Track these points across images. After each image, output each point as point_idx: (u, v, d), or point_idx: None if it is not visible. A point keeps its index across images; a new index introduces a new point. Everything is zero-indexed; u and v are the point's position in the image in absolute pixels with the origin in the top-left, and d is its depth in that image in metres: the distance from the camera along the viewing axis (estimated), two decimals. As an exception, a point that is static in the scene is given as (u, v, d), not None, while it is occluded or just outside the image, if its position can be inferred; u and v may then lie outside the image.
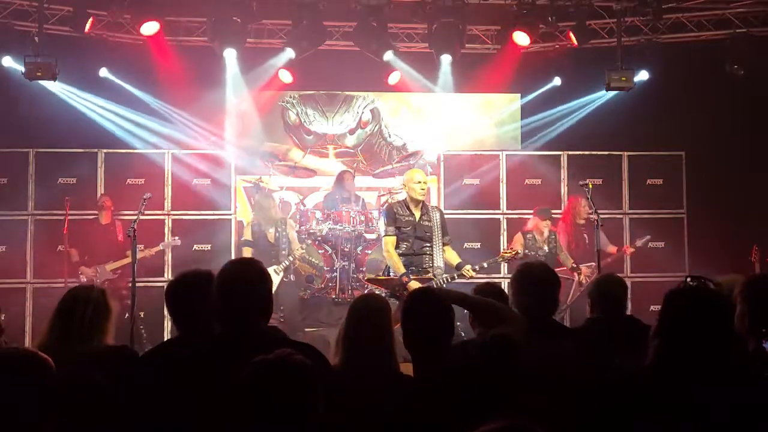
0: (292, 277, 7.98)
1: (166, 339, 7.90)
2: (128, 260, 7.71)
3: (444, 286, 5.99)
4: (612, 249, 8.20)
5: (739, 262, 8.69)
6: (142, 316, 7.70)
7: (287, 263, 7.52)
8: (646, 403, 2.34)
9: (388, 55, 9.01)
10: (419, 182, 6.21)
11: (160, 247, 7.91)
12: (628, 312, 4.17)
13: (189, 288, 2.97)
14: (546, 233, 7.79)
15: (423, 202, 6.31)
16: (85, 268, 7.72)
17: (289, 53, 8.97)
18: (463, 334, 5.70)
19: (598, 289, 3.97)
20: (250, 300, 2.72)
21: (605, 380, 2.71)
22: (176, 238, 8.07)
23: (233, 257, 7.72)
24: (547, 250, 7.64)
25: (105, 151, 8.50)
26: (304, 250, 7.86)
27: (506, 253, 7.06)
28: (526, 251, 7.40)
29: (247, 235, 7.78)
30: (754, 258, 7.68)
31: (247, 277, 2.75)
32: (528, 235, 7.81)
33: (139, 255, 7.60)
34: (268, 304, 2.80)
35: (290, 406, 2.13)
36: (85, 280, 7.59)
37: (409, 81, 9.89)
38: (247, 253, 7.54)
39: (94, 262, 7.74)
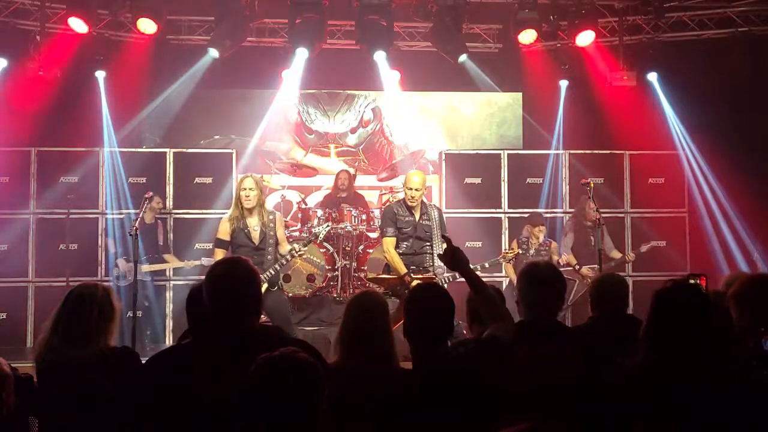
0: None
1: (166, 338, 7.93)
2: (167, 265, 7.82)
3: (446, 285, 5.97)
4: (616, 255, 8.19)
5: (739, 262, 8.72)
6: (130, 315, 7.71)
7: (271, 273, 5.85)
8: (641, 403, 2.34)
9: (379, 55, 8.98)
10: (411, 189, 6.14)
11: (201, 262, 7.50)
12: (630, 311, 4.17)
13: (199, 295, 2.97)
14: (541, 238, 7.76)
15: (422, 201, 6.30)
16: (123, 261, 7.70)
17: (302, 53, 8.93)
18: (464, 332, 5.70)
19: (599, 288, 3.98)
20: (239, 299, 2.72)
21: (603, 380, 2.71)
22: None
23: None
24: (533, 252, 7.62)
25: (107, 149, 8.50)
26: (294, 249, 5.97)
27: (508, 253, 7.08)
28: (520, 251, 7.39)
29: (223, 234, 5.96)
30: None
31: (235, 276, 2.75)
32: (522, 241, 7.78)
33: (173, 264, 7.84)
34: (257, 303, 2.81)
35: (295, 404, 2.13)
36: (118, 272, 7.66)
37: (410, 80, 9.91)
38: (219, 255, 5.85)
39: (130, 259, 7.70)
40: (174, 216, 8.34)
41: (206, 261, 7.38)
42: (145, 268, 7.62)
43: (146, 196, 6.53)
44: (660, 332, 2.42)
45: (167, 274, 8.17)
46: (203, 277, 2.92)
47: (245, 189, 5.89)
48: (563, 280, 3.30)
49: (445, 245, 6.04)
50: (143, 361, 3.16)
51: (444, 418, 2.59)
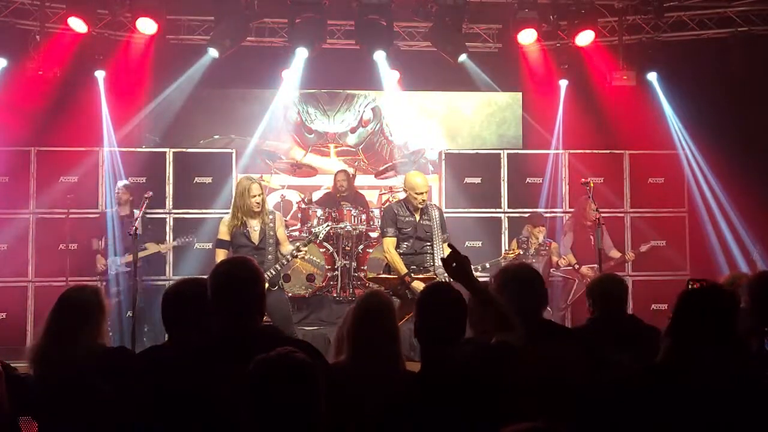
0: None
1: (166, 337, 7.90)
2: (146, 252, 7.66)
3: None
4: (615, 254, 8.19)
5: (739, 261, 8.71)
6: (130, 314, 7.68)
7: (272, 273, 5.86)
8: (652, 400, 2.34)
9: (379, 55, 8.99)
10: (420, 194, 6.14)
11: (175, 243, 7.69)
12: (630, 311, 4.17)
13: (184, 296, 2.95)
14: (541, 238, 7.77)
15: (422, 202, 6.29)
16: (101, 256, 7.62)
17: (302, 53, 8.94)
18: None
19: (597, 288, 3.98)
20: (244, 299, 2.72)
21: (606, 379, 2.71)
22: (191, 236, 7.81)
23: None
24: (534, 252, 7.63)
25: (106, 149, 8.50)
26: (296, 249, 6.04)
27: (509, 253, 7.06)
28: (520, 251, 7.40)
29: (223, 234, 6.03)
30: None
31: (240, 276, 2.75)
32: (522, 241, 7.80)
33: (152, 250, 7.69)
34: (262, 303, 2.81)
35: (292, 404, 2.13)
36: (100, 267, 7.55)
37: (410, 79, 9.91)
38: (221, 256, 5.94)
39: (112, 253, 7.67)
40: (173, 216, 8.33)
41: (179, 242, 7.65)
42: (125, 259, 7.49)
43: (146, 195, 6.53)
44: (685, 334, 2.42)
45: (167, 273, 8.17)
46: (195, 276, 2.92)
47: (255, 196, 5.90)
48: (540, 276, 3.33)
49: (446, 247, 6.05)
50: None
51: (450, 419, 2.58)
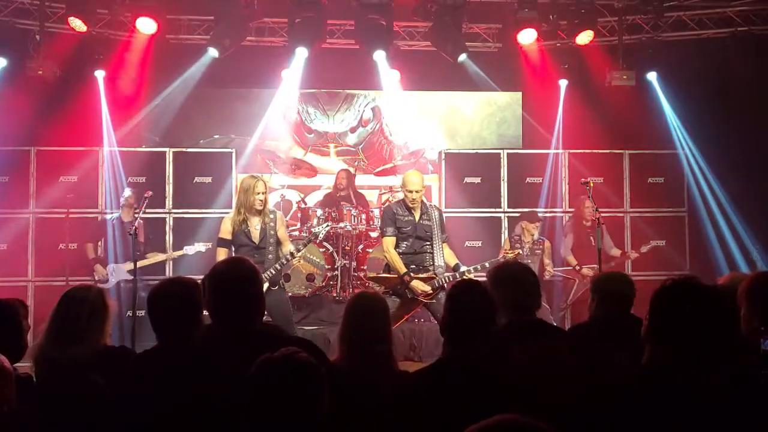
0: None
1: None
2: (149, 262, 7.61)
3: (445, 285, 5.96)
4: (616, 252, 8.19)
5: (739, 261, 8.72)
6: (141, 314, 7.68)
7: (272, 273, 5.80)
8: (643, 403, 2.33)
9: (379, 55, 9.00)
10: (411, 192, 6.08)
11: (185, 251, 7.43)
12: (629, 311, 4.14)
13: (166, 297, 2.94)
14: (536, 235, 7.76)
15: (422, 201, 6.27)
16: (100, 266, 7.55)
17: (302, 53, 8.95)
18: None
19: (604, 286, 3.91)
20: (243, 299, 2.74)
21: (602, 380, 2.70)
22: (201, 244, 7.43)
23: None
24: (528, 251, 7.63)
25: (106, 149, 8.50)
26: (296, 250, 6.03)
27: (508, 252, 7.05)
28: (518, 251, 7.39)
29: (225, 233, 5.96)
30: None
31: (238, 276, 2.77)
32: (514, 239, 7.79)
33: (160, 258, 7.64)
34: (261, 302, 2.83)
35: (296, 405, 2.13)
36: (98, 278, 7.47)
37: (410, 79, 9.91)
38: (222, 254, 5.90)
39: (112, 260, 7.62)
40: (173, 215, 8.34)
41: (189, 249, 7.36)
42: (127, 266, 7.39)
43: (145, 195, 6.52)
44: (661, 332, 2.40)
45: (166, 273, 8.15)
46: (192, 276, 2.93)
47: (259, 193, 5.87)
48: (535, 275, 3.34)
49: (445, 246, 6.05)
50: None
51: (463, 414, 2.57)
